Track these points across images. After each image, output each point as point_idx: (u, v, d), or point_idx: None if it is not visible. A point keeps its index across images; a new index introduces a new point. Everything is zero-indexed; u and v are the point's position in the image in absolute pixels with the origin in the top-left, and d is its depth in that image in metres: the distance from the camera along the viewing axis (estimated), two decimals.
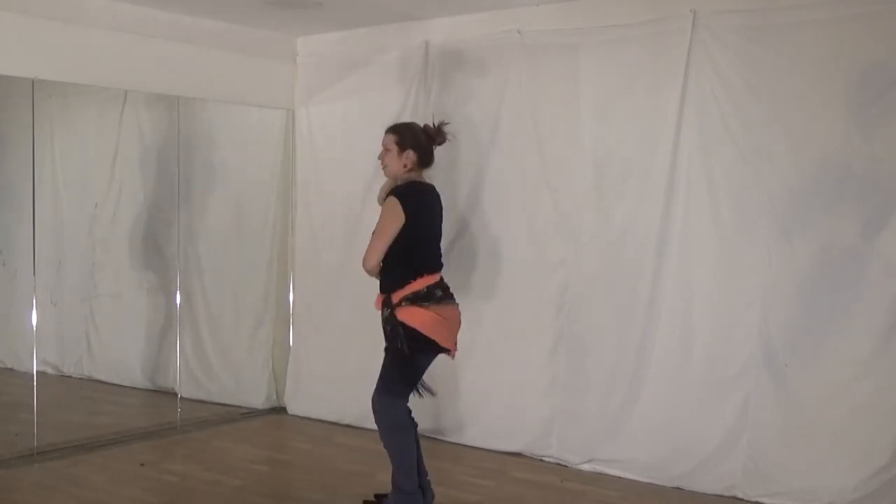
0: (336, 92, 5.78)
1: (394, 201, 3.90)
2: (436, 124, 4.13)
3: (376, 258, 3.92)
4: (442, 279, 4.00)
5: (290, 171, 6.06)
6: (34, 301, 5.17)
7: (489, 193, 5.14)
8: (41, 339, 5.29)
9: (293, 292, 6.07)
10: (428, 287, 3.91)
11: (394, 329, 3.90)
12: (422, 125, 4.16)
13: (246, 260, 6.22)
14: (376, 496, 4.25)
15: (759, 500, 4.26)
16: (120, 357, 5.98)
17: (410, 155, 4.03)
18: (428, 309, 3.87)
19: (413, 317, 3.86)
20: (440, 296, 3.92)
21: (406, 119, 5.41)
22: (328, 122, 5.78)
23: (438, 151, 5.26)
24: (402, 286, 3.89)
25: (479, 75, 5.16)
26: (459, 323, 4.04)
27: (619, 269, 4.68)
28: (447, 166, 5.29)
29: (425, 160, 4.09)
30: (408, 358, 3.89)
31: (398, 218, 3.87)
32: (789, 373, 4.22)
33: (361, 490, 4.53)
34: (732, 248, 4.37)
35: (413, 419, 4.03)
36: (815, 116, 4.15)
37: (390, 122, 5.43)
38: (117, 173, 6.16)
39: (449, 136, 4.17)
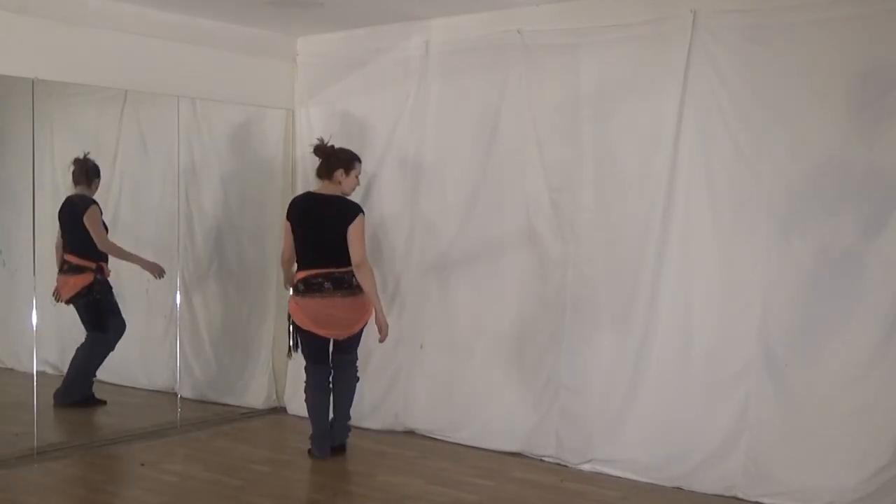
0: (336, 92, 5.77)
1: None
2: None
3: (282, 258, 5.03)
4: (312, 276, 4.76)
5: (290, 171, 6.05)
6: (34, 301, 5.17)
7: (489, 193, 5.13)
8: (41, 339, 5.28)
9: None
10: (297, 281, 4.85)
11: None
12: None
13: (246, 260, 6.22)
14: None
15: (759, 500, 4.26)
16: (120, 357, 5.97)
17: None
18: (292, 299, 4.90)
19: (289, 303, 4.94)
20: (301, 289, 4.80)
21: (405, 119, 5.43)
22: (328, 122, 5.77)
23: (439, 151, 5.31)
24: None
25: (479, 75, 5.15)
26: (324, 312, 4.77)
27: (619, 269, 4.67)
28: (447, 166, 5.29)
29: (318, 172, 4.93)
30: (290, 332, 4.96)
31: (284, 225, 4.93)
32: (789, 373, 4.22)
33: (361, 490, 4.53)
34: (732, 248, 4.36)
35: (322, 381, 4.95)
36: (815, 116, 4.14)
37: (390, 122, 5.49)
38: (117, 173, 6.16)
39: (320, 151, 4.91)
